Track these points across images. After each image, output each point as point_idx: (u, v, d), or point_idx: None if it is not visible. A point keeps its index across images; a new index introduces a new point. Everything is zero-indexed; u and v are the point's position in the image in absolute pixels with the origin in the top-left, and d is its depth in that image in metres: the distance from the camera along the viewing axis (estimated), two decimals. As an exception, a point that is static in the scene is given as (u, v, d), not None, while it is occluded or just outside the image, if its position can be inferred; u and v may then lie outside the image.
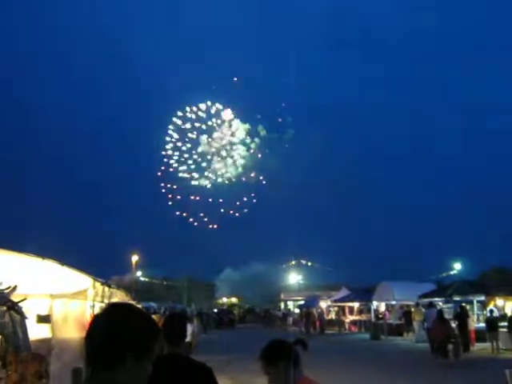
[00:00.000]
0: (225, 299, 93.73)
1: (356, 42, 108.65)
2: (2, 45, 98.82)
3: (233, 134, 49.08)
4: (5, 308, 6.10)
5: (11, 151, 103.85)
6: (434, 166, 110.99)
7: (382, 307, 43.84)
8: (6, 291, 6.66)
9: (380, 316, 42.37)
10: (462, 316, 27.17)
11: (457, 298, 30.82)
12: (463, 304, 29.23)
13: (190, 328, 16.41)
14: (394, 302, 40.25)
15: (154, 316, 12.15)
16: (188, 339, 16.94)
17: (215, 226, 54.70)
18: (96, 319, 2.23)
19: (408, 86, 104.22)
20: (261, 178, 51.14)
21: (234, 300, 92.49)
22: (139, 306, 19.15)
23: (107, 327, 2.13)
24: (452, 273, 61.30)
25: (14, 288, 7.04)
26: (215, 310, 73.41)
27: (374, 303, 42.65)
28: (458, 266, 62.28)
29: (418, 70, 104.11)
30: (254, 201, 52.76)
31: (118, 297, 13.50)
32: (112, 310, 2.25)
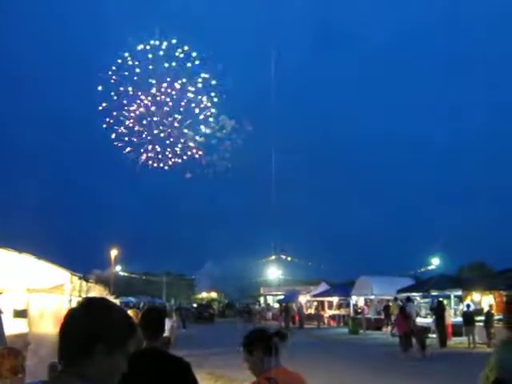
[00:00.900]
0: (204, 294, 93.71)
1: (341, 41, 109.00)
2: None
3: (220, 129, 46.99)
4: (-21, 302, 6.02)
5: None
6: (415, 160, 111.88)
7: (361, 302, 44.15)
8: (-19, 285, 6.59)
9: (359, 310, 42.67)
10: (439, 310, 27.46)
11: (434, 293, 31.09)
12: (440, 299, 29.52)
13: (168, 323, 16.36)
14: (372, 297, 40.57)
15: (131, 311, 12.07)
16: (166, 334, 16.85)
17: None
18: (70, 313, 2.23)
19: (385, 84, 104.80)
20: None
21: (213, 295, 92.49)
22: (117, 300, 19.08)
23: (81, 321, 2.13)
24: (430, 268, 61.76)
25: (-10, 282, 6.96)
26: (194, 305, 73.37)
27: (353, 298, 42.90)
28: (436, 261, 62.81)
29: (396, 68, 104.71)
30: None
31: (96, 291, 13.41)
32: (86, 304, 2.25)
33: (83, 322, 2.12)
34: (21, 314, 9.65)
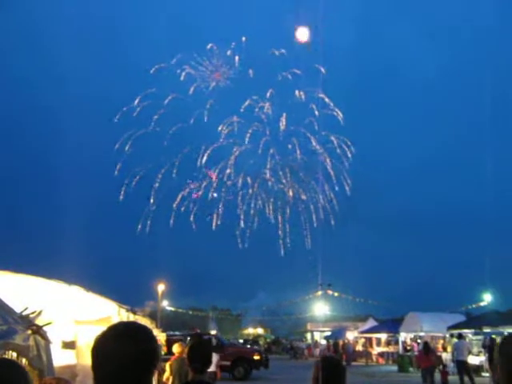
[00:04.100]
0: (251, 330, 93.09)
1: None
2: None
3: None
4: (30, 332, 6.14)
5: (37, 176, 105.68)
6: (465, 196, 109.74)
7: (410, 338, 43.19)
8: (32, 316, 6.71)
9: (408, 348, 41.65)
10: (492, 348, 26.60)
11: (487, 330, 30.17)
12: (493, 336, 28.61)
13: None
14: (422, 334, 39.59)
15: (177, 344, 12.12)
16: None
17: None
18: (115, 339, 2.13)
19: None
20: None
21: (260, 330, 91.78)
22: (163, 334, 19.12)
23: (131, 348, 2.07)
24: (482, 304, 59.98)
25: (39, 313, 7.09)
26: (241, 341, 72.91)
27: (402, 334, 41.99)
28: (488, 297, 60.98)
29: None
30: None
31: (143, 324, 13.48)
32: (131, 331, 2.17)
33: (134, 349, 2.06)
34: (69, 345, 9.76)
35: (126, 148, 40.10)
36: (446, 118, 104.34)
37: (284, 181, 43.54)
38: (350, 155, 42.36)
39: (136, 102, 39.39)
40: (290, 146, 42.60)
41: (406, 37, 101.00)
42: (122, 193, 42.21)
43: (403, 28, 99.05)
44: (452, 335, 33.45)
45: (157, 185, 42.13)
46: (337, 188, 43.05)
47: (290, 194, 43.73)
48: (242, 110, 41.12)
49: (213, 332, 44.65)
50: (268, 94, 41.22)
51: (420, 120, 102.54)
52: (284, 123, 41.27)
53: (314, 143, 41.96)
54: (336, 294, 72.34)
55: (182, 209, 41.98)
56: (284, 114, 41.39)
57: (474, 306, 59.73)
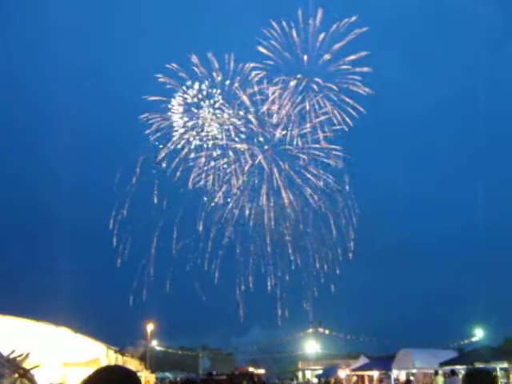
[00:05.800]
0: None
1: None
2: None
3: None
4: (16, 375, 6.06)
5: (25, 219, 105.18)
6: (457, 231, 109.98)
7: (403, 376, 42.69)
8: (19, 359, 6.62)
9: (401, 385, 41.24)
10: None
11: (479, 365, 29.86)
12: (486, 371, 28.33)
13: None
14: (414, 371, 39.21)
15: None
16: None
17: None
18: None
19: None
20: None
21: (251, 370, 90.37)
22: (153, 375, 18.88)
23: None
24: (474, 339, 59.70)
25: (27, 356, 7.00)
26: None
27: (394, 372, 41.54)
28: (479, 333, 60.72)
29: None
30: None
31: (132, 366, 13.31)
32: (110, 378, 2.16)
33: None
34: (57, 388, 9.59)
35: (124, 211, 41.12)
36: (440, 155, 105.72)
37: (283, 226, 44.06)
38: (354, 220, 43.17)
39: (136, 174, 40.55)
40: (291, 198, 43.15)
41: (399, 73, 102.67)
42: (120, 256, 42.91)
43: (394, 65, 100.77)
44: (436, 372, 33.14)
45: (154, 244, 42.81)
46: (340, 257, 43.78)
47: (289, 240, 44.09)
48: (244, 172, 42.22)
49: (261, 371, 44.42)
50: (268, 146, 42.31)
51: (413, 156, 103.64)
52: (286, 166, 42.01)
53: (320, 202, 42.70)
54: (327, 332, 71.87)
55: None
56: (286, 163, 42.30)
57: (466, 341, 59.50)
